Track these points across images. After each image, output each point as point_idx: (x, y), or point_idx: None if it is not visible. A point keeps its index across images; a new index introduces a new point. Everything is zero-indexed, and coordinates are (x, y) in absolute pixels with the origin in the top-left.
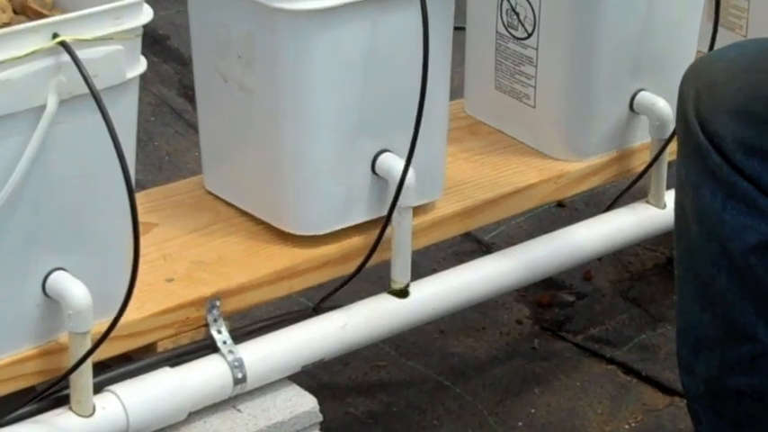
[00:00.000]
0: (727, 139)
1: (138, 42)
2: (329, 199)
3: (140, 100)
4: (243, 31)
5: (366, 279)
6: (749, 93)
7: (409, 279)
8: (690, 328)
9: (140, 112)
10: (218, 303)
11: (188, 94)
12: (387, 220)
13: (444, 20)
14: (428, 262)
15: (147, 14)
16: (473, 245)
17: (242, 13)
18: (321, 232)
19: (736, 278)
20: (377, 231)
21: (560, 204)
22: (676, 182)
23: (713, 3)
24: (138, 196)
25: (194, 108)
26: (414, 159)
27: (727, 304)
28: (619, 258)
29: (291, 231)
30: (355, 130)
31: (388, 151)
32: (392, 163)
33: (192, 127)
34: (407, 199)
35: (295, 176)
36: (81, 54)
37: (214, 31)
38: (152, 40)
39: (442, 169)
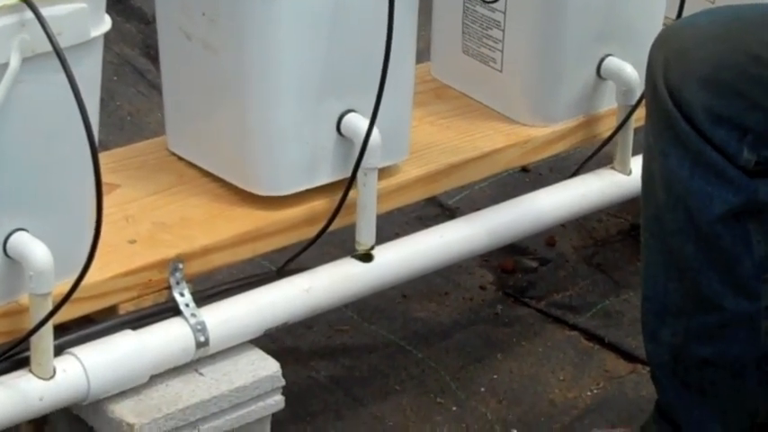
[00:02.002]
0: (695, 107)
1: (103, 0)
2: (294, 159)
3: (102, 59)
4: None
5: (330, 243)
6: (718, 62)
7: (374, 242)
8: (655, 295)
9: (102, 72)
10: (180, 266)
11: (150, 53)
12: (351, 179)
13: None
14: (391, 226)
15: None
16: (436, 209)
17: None
18: (286, 193)
19: (703, 247)
20: (341, 194)
21: (524, 169)
22: (644, 148)
23: None
24: (101, 157)
25: (157, 68)
26: (379, 120)
27: (694, 273)
28: (582, 224)
29: (256, 192)
30: (321, 90)
31: (354, 111)
32: (357, 123)
33: (155, 87)
34: (372, 159)
35: (260, 136)
36: (45, 11)
37: None
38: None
39: (407, 131)
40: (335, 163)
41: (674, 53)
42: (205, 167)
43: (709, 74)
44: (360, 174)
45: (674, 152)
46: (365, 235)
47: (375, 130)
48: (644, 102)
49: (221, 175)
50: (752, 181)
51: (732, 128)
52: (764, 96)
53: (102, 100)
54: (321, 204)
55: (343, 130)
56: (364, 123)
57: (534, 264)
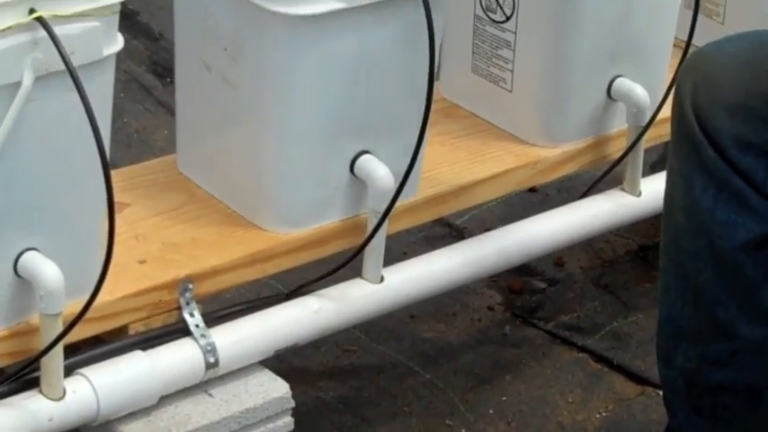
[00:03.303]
0: (723, 133)
1: (116, 19)
2: (306, 198)
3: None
4: (232, 26)
5: (340, 261)
6: (747, 88)
7: (381, 274)
8: (671, 319)
9: None
10: (190, 286)
11: (157, 70)
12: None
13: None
14: (399, 246)
15: None
16: (444, 229)
17: (233, 8)
18: (296, 231)
19: (723, 274)
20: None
21: (533, 189)
22: (666, 172)
23: None
24: (111, 174)
25: (164, 85)
26: (394, 161)
27: (711, 299)
28: (591, 245)
29: (266, 228)
30: (337, 132)
31: (368, 153)
32: (371, 165)
33: (162, 104)
34: (383, 203)
35: (274, 174)
36: (58, 30)
37: (201, 21)
38: (122, 16)
39: (420, 172)
40: (347, 202)
41: (703, 79)
42: (214, 194)
43: (738, 101)
44: (371, 217)
45: (699, 178)
46: (371, 273)
47: (388, 173)
48: (659, 123)
49: (231, 206)
50: None
51: (759, 155)
52: None
53: None
54: (331, 226)
55: (356, 172)
56: (378, 165)
57: (542, 284)
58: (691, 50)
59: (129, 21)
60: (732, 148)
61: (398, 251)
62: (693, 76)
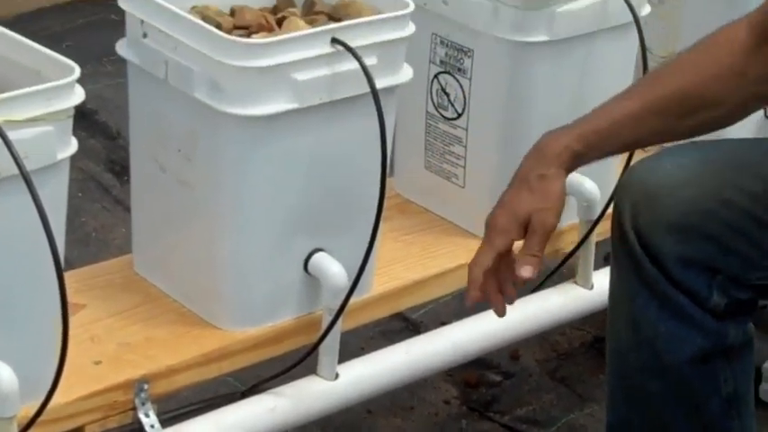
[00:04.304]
0: (664, 251)
1: (70, 123)
2: (261, 296)
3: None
4: (185, 127)
5: (295, 355)
6: (688, 207)
7: (336, 371)
8: (619, 425)
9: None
10: (145, 386)
11: (115, 169)
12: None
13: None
14: (356, 340)
15: (78, 95)
16: (401, 323)
17: (186, 109)
18: (251, 329)
19: (670, 386)
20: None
21: None
22: (609, 289)
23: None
24: (66, 276)
25: (122, 184)
26: (347, 258)
27: (659, 410)
28: (546, 338)
29: (221, 327)
30: (291, 230)
31: (322, 250)
32: (325, 263)
33: (120, 203)
34: (337, 300)
35: (228, 273)
36: (11, 135)
37: (155, 122)
38: (80, 115)
39: (374, 269)
40: (301, 300)
41: (643, 198)
42: (170, 294)
43: (679, 219)
44: (324, 314)
45: (641, 294)
46: (326, 371)
47: (341, 271)
48: (609, 216)
49: (186, 305)
50: (721, 324)
51: (701, 271)
52: (735, 240)
53: (67, 216)
54: (286, 324)
55: (310, 269)
56: (331, 263)
57: (498, 378)
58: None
59: (86, 120)
60: (675, 266)
61: (356, 346)
62: (632, 195)
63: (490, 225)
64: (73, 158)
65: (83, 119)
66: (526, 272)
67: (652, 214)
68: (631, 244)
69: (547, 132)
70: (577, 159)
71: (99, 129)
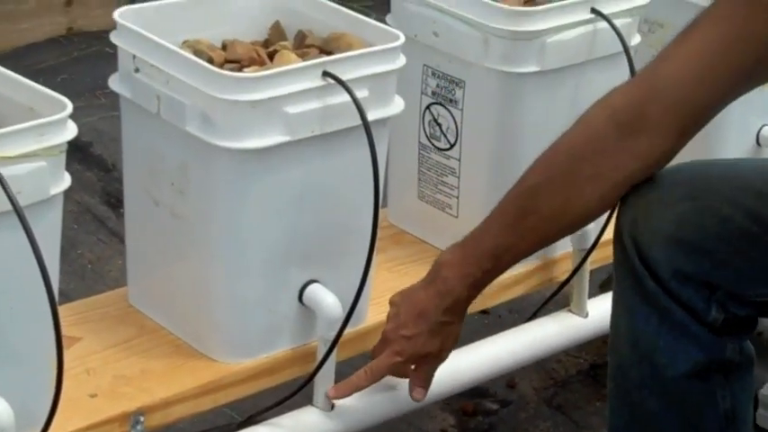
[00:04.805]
0: (663, 266)
1: (63, 158)
2: (256, 328)
3: (62, 208)
4: (178, 160)
5: (291, 386)
6: (686, 221)
7: (331, 402)
8: None
9: (63, 220)
10: (141, 419)
11: (111, 201)
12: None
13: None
14: (352, 371)
15: (71, 131)
16: None
17: (178, 143)
18: (246, 361)
19: (667, 402)
20: (303, 343)
21: (484, 311)
22: (612, 302)
23: None
24: (62, 309)
25: (117, 216)
26: (342, 289)
27: (658, 426)
28: (542, 365)
29: (216, 359)
30: (285, 262)
31: (317, 282)
32: (320, 295)
33: (115, 235)
34: (332, 331)
35: (223, 305)
36: (4, 171)
37: (147, 156)
38: (74, 148)
39: (368, 299)
40: (296, 331)
41: (642, 212)
42: (165, 326)
43: (677, 233)
44: (320, 344)
45: (641, 309)
46: (322, 401)
47: (336, 302)
48: (603, 245)
49: (181, 337)
50: (719, 339)
51: (700, 286)
52: (732, 254)
53: (62, 248)
54: (281, 355)
55: (305, 300)
56: (326, 294)
57: (495, 406)
58: None
59: (81, 152)
60: (673, 280)
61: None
62: (633, 210)
63: (394, 349)
64: (68, 191)
65: (78, 151)
66: (419, 395)
67: (651, 228)
68: (631, 258)
69: (446, 261)
70: (477, 294)
71: (94, 161)
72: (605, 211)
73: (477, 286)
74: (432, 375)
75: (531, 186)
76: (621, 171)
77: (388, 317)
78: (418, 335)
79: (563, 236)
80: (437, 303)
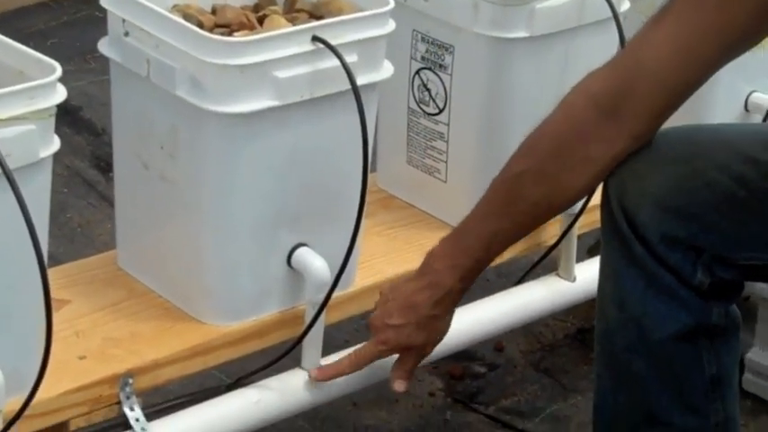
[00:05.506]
0: (650, 229)
1: (52, 121)
2: (245, 290)
3: (52, 172)
4: (167, 124)
5: (279, 349)
6: (672, 185)
7: (320, 363)
8: (605, 406)
9: (52, 184)
10: (130, 381)
11: (100, 165)
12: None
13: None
14: (340, 334)
15: (60, 94)
16: None
17: (168, 107)
18: (235, 324)
19: (654, 365)
20: (291, 306)
21: None
22: (599, 266)
23: None
24: (51, 272)
25: (107, 180)
26: (331, 253)
27: (644, 389)
28: (530, 329)
29: (205, 321)
30: (274, 225)
31: (305, 245)
32: (308, 258)
33: (105, 199)
34: (320, 294)
35: (212, 268)
36: None
37: (137, 120)
38: (64, 112)
39: (356, 263)
40: (285, 294)
41: (630, 175)
42: (154, 289)
43: (665, 197)
44: (308, 307)
45: (628, 272)
46: (310, 363)
47: (324, 265)
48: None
49: (170, 300)
50: (705, 303)
51: (686, 250)
52: (719, 218)
53: (52, 212)
54: (269, 318)
55: (293, 264)
56: (314, 258)
57: (483, 369)
58: None
59: (71, 116)
60: (660, 244)
61: (341, 339)
62: (620, 174)
63: (380, 338)
64: (58, 155)
65: (68, 116)
66: (400, 386)
67: (638, 193)
68: (618, 222)
69: (436, 253)
70: (469, 285)
71: (84, 125)
72: (593, 190)
73: (469, 277)
74: (414, 368)
75: (517, 174)
76: (608, 152)
77: (377, 305)
78: (405, 325)
79: (551, 218)
80: (428, 295)
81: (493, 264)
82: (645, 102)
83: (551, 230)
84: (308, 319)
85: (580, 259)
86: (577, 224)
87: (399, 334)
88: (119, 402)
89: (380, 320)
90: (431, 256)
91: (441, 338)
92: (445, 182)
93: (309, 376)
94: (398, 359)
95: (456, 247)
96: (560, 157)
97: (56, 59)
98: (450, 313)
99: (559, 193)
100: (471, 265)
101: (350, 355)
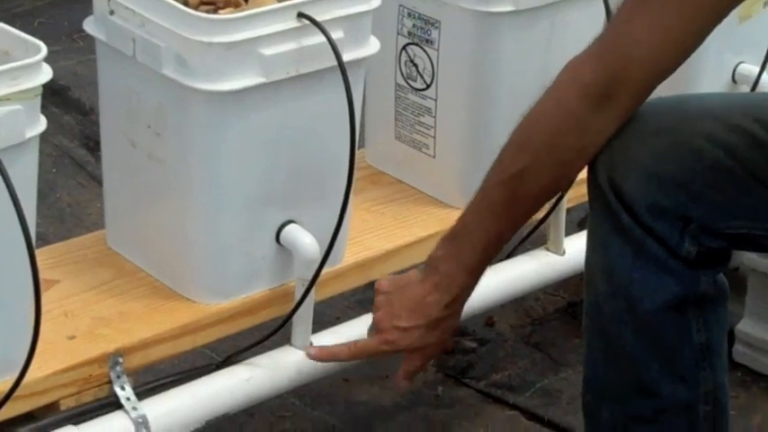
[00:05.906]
0: (637, 200)
1: (38, 102)
2: (234, 268)
3: (41, 152)
4: (154, 102)
5: (269, 326)
6: (659, 155)
7: (309, 340)
8: (595, 377)
9: (41, 164)
10: (120, 360)
11: (89, 144)
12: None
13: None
14: (332, 311)
15: (46, 74)
16: None
17: (155, 85)
18: (224, 302)
19: (643, 335)
20: (281, 283)
21: None
22: (587, 237)
23: None
24: (40, 252)
25: (96, 159)
26: (319, 230)
27: (633, 360)
28: (520, 303)
29: (195, 300)
30: (262, 202)
31: (294, 222)
32: (297, 235)
33: (94, 178)
34: (309, 271)
35: (201, 246)
36: None
37: (124, 99)
38: (52, 91)
39: (345, 239)
40: (274, 271)
41: (617, 148)
42: (143, 268)
43: (652, 167)
44: (297, 284)
45: (615, 243)
46: (300, 341)
47: (313, 241)
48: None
49: (160, 279)
50: (693, 272)
51: (674, 220)
52: (706, 187)
53: (41, 192)
54: (259, 295)
55: (282, 241)
56: (303, 234)
57: (473, 344)
58: None
59: (59, 96)
60: (647, 214)
61: (332, 316)
62: (607, 145)
63: (385, 337)
64: (47, 134)
65: (56, 95)
66: (404, 385)
67: (625, 163)
68: (606, 193)
69: (441, 256)
70: (476, 283)
71: (72, 105)
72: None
73: (476, 275)
74: (421, 369)
75: (516, 173)
76: (601, 140)
77: (377, 304)
78: (414, 328)
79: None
80: (437, 299)
81: None
82: (637, 86)
83: None
84: (297, 296)
85: (569, 233)
86: (566, 197)
87: (408, 336)
88: (109, 382)
89: (387, 321)
90: (435, 260)
91: (451, 336)
92: (434, 157)
93: (306, 353)
94: (405, 360)
95: (461, 249)
96: (557, 151)
97: (43, 39)
98: (459, 314)
99: (558, 185)
100: (477, 264)
101: (349, 344)
